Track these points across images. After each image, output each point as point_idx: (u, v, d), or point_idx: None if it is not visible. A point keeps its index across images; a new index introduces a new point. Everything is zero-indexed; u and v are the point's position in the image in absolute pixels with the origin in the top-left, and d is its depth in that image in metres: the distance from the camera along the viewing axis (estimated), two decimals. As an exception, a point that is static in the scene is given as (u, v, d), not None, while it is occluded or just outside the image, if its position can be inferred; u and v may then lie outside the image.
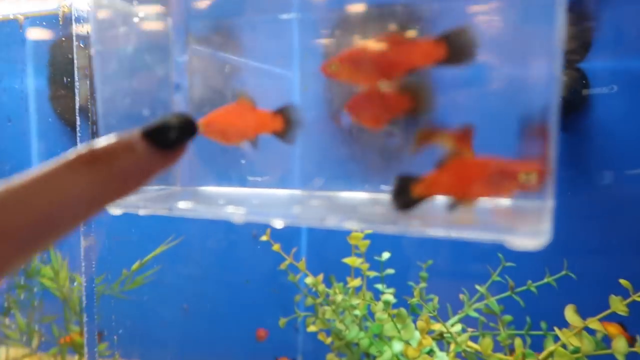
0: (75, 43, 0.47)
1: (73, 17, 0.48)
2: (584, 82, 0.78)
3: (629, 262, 0.73)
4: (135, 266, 0.67)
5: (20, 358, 0.90)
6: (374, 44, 0.29)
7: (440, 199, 0.30)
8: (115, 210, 0.33)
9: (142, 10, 0.33)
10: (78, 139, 0.50)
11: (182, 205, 0.30)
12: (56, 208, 0.17)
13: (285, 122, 0.28)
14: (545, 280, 0.65)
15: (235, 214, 0.28)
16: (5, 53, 0.87)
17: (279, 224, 0.27)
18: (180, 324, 0.93)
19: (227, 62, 0.37)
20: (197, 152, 0.38)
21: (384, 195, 0.33)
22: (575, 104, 0.77)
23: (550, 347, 0.60)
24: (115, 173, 0.19)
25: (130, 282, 0.67)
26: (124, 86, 0.32)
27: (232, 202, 0.33)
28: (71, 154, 0.19)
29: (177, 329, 0.93)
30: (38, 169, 0.18)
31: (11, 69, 0.86)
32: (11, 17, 0.56)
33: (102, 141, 0.19)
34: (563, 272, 0.65)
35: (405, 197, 0.28)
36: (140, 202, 0.33)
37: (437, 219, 0.27)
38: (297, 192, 0.35)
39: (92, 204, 0.19)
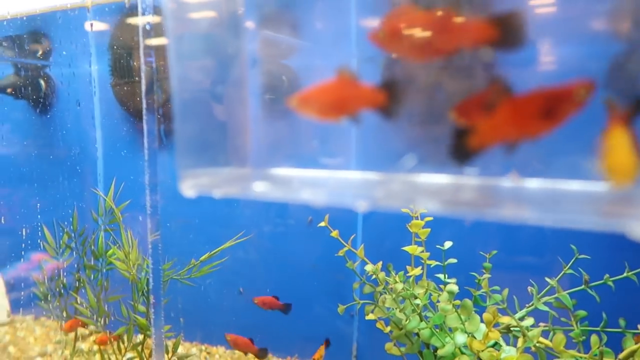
0: (141, 28, 0.48)
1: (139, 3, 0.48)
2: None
3: None
4: (203, 257, 0.69)
5: (89, 335, 0.95)
6: (423, 17, 0.27)
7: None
8: (189, 192, 0.33)
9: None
10: (145, 122, 0.50)
11: (259, 187, 0.29)
12: None
13: (390, 98, 0.27)
14: (625, 274, 0.60)
15: (316, 197, 0.27)
16: (75, 38, 0.90)
17: (362, 206, 0.25)
18: (237, 307, 0.94)
19: (290, 43, 0.36)
20: (267, 133, 0.37)
21: (465, 179, 0.31)
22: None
23: (631, 346, 0.55)
24: None
25: (196, 270, 0.68)
26: (197, 65, 0.32)
27: (306, 184, 0.32)
28: None
29: (234, 312, 0.95)
30: None
31: (80, 53, 0.89)
32: (80, 4, 0.57)
33: None
34: (645, 266, 0.60)
35: (463, 152, 0.27)
36: (214, 183, 0.33)
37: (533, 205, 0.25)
38: (370, 174, 0.33)
39: None
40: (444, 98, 0.27)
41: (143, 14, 0.48)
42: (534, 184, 0.30)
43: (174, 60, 0.30)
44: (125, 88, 0.95)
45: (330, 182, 0.31)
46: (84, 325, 0.84)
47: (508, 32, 0.27)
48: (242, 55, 0.34)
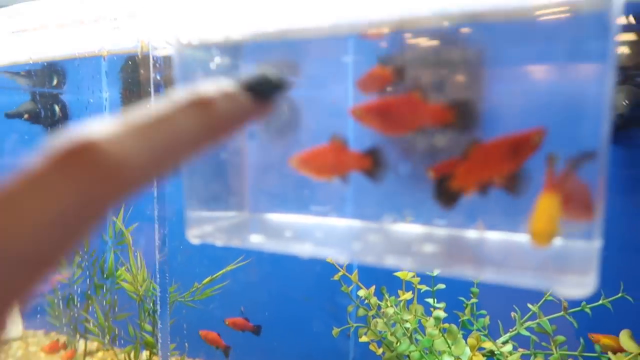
0: (152, 77, 0.53)
1: (150, 56, 0.53)
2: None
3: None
4: (206, 280, 0.73)
5: (96, 351, 1.00)
6: (394, 101, 0.33)
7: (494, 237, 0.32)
8: (194, 240, 0.37)
9: (217, 57, 0.37)
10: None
11: (254, 239, 0.34)
12: (172, 142, 0.20)
13: (374, 162, 0.32)
14: (600, 302, 0.64)
15: (303, 250, 0.31)
16: (89, 70, 0.95)
17: (342, 260, 0.30)
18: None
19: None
20: (264, 182, 0.42)
21: (436, 230, 0.35)
22: (636, 118, 0.75)
23: (605, 370, 0.59)
24: (220, 117, 0.21)
25: (199, 293, 0.73)
26: None
27: (297, 233, 0.37)
28: (183, 96, 0.21)
29: (236, 332, 0.99)
30: (157, 109, 0.20)
31: (94, 82, 0.95)
32: (97, 52, 0.62)
33: (209, 88, 0.21)
34: (619, 295, 0.64)
35: (447, 195, 0.32)
36: (216, 233, 0.37)
37: (489, 263, 0.29)
38: (355, 222, 0.38)
39: (198, 143, 0.21)
40: (422, 158, 0.32)
41: (154, 65, 0.53)
42: (494, 236, 0.34)
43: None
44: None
45: (317, 231, 0.36)
46: (64, 347, 0.89)
47: (462, 116, 0.32)
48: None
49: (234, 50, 0.39)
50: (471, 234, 0.35)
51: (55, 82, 1.02)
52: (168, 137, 0.20)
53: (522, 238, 0.32)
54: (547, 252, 0.29)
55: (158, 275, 0.57)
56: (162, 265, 0.61)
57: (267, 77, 0.23)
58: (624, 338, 0.55)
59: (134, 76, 0.90)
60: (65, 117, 1.06)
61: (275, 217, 0.40)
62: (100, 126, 0.18)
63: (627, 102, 0.72)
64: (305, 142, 0.38)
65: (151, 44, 0.54)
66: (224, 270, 0.76)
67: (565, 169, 0.30)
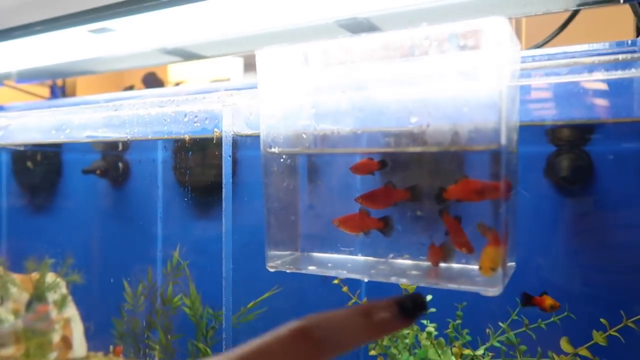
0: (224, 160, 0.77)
1: (224, 142, 0.77)
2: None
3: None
4: (250, 305, 0.94)
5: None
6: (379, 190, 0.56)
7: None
8: (271, 269, 0.60)
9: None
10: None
11: (311, 268, 0.56)
12: (349, 335, 0.28)
13: (386, 225, 0.54)
14: (552, 319, 0.85)
15: (340, 274, 0.53)
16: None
17: (365, 278, 0.52)
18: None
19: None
20: (313, 233, 0.64)
21: (424, 263, 0.58)
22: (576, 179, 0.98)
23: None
24: (378, 325, 0.28)
25: (245, 316, 0.93)
26: (280, 184, 0.60)
27: (334, 264, 0.59)
28: (365, 307, 0.30)
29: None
30: (342, 314, 0.29)
31: (151, 145, 1.19)
32: (152, 137, 0.86)
33: (379, 303, 0.30)
34: (564, 314, 0.85)
35: (441, 198, 0.53)
36: (285, 264, 0.60)
37: (432, 276, 0.51)
38: (370, 258, 0.61)
39: (363, 341, 0.29)
40: (411, 222, 0.54)
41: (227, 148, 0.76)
42: (455, 266, 0.56)
43: (264, 179, 0.58)
44: (182, 171, 1.24)
45: (347, 262, 0.58)
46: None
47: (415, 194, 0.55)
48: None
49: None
50: (442, 265, 0.57)
51: (120, 147, 1.27)
52: (346, 331, 0.28)
53: (472, 267, 0.55)
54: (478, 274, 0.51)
55: (223, 300, 0.78)
56: (227, 292, 0.83)
57: (418, 300, 0.30)
58: (564, 343, 0.75)
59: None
60: (126, 173, 1.30)
61: (320, 255, 0.63)
62: (312, 317, 0.28)
63: (569, 166, 0.95)
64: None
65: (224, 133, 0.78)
66: (262, 297, 0.97)
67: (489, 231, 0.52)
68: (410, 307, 0.31)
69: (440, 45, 0.48)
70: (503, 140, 0.46)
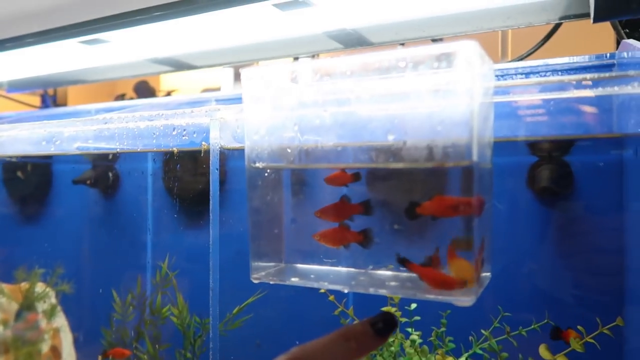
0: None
1: (211, 154, 0.79)
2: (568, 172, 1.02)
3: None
4: (235, 311, 0.95)
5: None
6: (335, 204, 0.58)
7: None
8: (255, 280, 0.61)
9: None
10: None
11: (294, 279, 0.58)
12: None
13: (365, 238, 0.56)
14: (532, 326, 0.88)
15: (322, 285, 0.55)
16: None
17: (346, 289, 0.54)
18: (255, 358, 1.19)
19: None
20: (296, 245, 0.66)
21: (405, 274, 0.60)
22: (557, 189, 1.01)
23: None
24: (358, 347, 0.33)
25: (231, 323, 0.95)
26: (264, 198, 0.62)
27: (317, 275, 0.61)
28: (343, 332, 0.34)
29: None
30: (323, 342, 0.33)
31: (141, 157, 1.20)
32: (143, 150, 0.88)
33: (355, 327, 0.35)
34: (545, 321, 0.87)
35: (413, 212, 0.55)
36: (268, 276, 0.61)
37: (410, 287, 0.53)
38: (352, 269, 0.62)
39: None
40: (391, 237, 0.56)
41: (214, 161, 0.78)
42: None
43: (249, 193, 0.60)
44: (171, 183, 1.26)
45: (330, 274, 0.60)
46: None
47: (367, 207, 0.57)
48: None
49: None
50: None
51: (111, 156, 1.28)
52: (329, 355, 0.34)
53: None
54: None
55: (210, 310, 0.80)
56: (214, 302, 0.84)
57: (388, 318, 0.36)
58: (542, 349, 0.78)
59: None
60: (116, 183, 1.31)
61: (304, 267, 0.64)
62: (297, 350, 0.34)
63: (549, 177, 0.98)
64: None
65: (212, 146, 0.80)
66: (246, 303, 0.98)
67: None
68: (382, 327, 0.35)
69: (415, 66, 0.50)
70: (475, 157, 0.49)
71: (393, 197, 0.55)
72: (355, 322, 0.40)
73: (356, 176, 0.58)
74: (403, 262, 0.55)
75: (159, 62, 1.29)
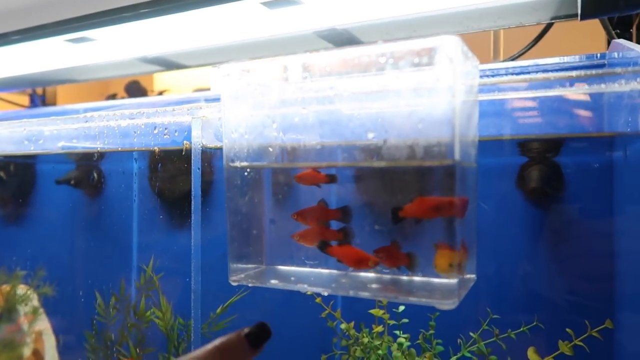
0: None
1: (193, 154, 0.77)
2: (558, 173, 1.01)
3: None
4: (218, 311, 0.94)
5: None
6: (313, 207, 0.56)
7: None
8: (233, 283, 0.59)
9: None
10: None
11: (273, 282, 0.56)
12: None
13: (344, 236, 0.54)
14: (521, 329, 0.86)
15: (302, 288, 0.53)
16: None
17: (325, 293, 0.52)
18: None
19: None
20: (276, 247, 0.64)
21: (385, 276, 0.58)
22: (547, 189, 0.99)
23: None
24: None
25: (215, 324, 0.93)
26: (243, 198, 0.60)
27: (298, 277, 0.59)
28: (218, 345, 0.34)
29: None
30: (198, 356, 0.33)
31: (126, 156, 1.18)
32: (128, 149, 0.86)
33: (231, 338, 0.35)
34: (534, 323, 0.86)
35: (397, 216, 0.54)
36: (248, 278, 0.60)
37: (392, 290, 0.52)
38: (333, 271, 0.61)
39: None
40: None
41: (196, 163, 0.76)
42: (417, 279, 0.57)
43: (227, 192, 0.58)
44: (156, 181, 1.23)
45: (310, 276, 0.58)
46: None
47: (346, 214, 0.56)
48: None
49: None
50: (402, 278, 0.58)
51: (95, 157, 1.26)
52: None
53: (431, 280, 0.55)
54: (436, 286, 0.51)
55: (192, 312, 0.78)
56: (196, 304, 0.82)
57: (263, 329, 0.37)
58: (530, 352, 0.76)
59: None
60: (101, 183, 1.29)
61: (284, 268, 0.63)
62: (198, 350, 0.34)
63: (538, 177, 0.96)
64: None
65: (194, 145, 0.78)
66: (229, 302, 0.96)
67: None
68: (256, 338, 0.36)
69: (396, 62, 0.49)
70: (457, 156, 0.47)
71: (374, 196, 0.53)
72: (230, 333, 0.42)
73: (331, 178, 0.56)
74: (322, 247, 0.54)
75: (147, 61, 1.27)
